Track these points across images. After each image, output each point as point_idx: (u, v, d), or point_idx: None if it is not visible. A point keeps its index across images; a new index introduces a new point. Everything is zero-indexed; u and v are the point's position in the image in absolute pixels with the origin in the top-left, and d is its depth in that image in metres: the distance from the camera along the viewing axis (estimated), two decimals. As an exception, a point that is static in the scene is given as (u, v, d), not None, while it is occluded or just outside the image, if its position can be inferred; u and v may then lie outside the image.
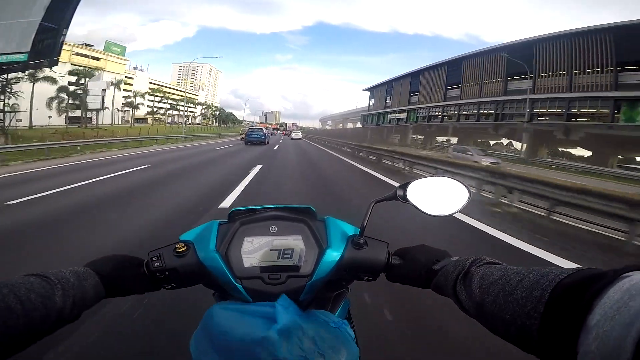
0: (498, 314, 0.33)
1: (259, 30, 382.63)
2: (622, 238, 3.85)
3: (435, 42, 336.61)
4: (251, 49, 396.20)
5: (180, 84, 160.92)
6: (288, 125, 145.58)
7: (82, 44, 53.12)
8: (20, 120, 34.77)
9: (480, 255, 0.44)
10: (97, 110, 45.63)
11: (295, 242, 0.56)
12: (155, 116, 71.21)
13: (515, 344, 0.31)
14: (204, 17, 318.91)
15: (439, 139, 38.94)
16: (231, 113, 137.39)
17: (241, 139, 27.67)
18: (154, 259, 0.52)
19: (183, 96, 56.40)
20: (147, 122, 63.52)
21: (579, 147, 28.80)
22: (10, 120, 26.90)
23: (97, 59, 54.57)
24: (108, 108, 48.85)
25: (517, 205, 5.35)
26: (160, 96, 71.36)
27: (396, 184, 0.61)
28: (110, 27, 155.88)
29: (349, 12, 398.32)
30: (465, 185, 0.60)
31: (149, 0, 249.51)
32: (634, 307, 0.21)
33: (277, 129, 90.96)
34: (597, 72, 24.83)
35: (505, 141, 36.56)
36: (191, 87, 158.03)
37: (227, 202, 5.01)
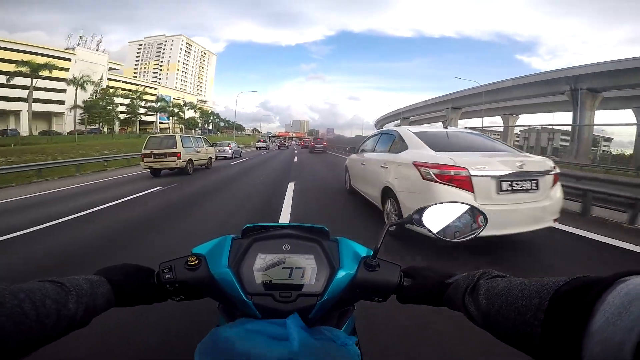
0: (503, 323, 0.35)
1: (284, 42, 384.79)
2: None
3: (463, 44, 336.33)
4: (278, 61, 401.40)
5: (139, 69, 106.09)
6: (321, 132, 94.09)
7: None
8: None
9: (488, 269, 0.45)
10: None
11: (307, 261, 0.55)
12: None
13: (521, 350, 0.32)
14: (231, 32, 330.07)
15: None
16: (219, 117, 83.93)
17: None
18: (165, 270, 0.52)
19: None
20: None
21: None
22: None
23: None
24: None
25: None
26: None
27: None
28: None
29: (370, 19, 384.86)
30: (481, 212, 0.59)
31: (179, 16, 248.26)
32: (634, 311, 0.21)
33: (302, 138, 58.22)
34: None
35: None
36: (155, 70, 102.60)
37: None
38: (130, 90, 55.75)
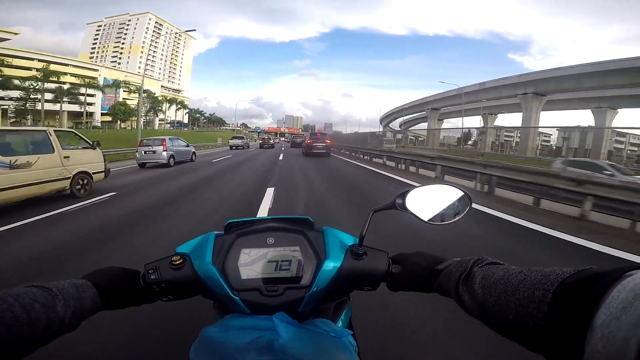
0: (501, 314, 0.33)
1: (277, 39, 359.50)
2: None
3: (456, 42, 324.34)
4: (271, 57, 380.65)
5: (96, 53, 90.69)
6: (317, 128, 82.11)
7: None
8: None
9: (482, 256, 0.44)
10: None
11: (292, 253, 0.55)
12: None
13: (520, 342, 0.32)
14: (224, 28, 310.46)
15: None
16: (184, 105, 68.33)
17: None
18: (149, 271, 0.52)
19: None
20: None
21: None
22: None
23: None
24: None
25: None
26: None
27: None
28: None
29: (364, 17, 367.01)
30: (465, 192, 0.59)
31: (170, 13, 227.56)
32: (639, 307, 0.21)
33: (295, 134, 45.65)
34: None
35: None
36: (115, 53, 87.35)
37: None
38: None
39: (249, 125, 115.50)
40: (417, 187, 0.58)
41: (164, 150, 11.50)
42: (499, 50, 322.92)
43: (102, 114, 55.28)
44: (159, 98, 61.86)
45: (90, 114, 52.26)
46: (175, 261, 0.52)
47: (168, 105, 63.46)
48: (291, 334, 0.44)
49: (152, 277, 0.51)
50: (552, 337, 0.27)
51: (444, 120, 47.72)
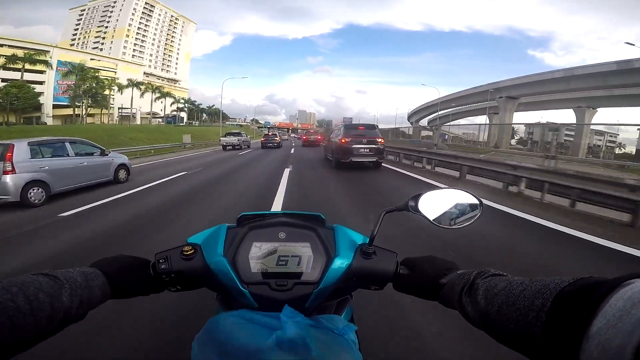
0: (502, 324, 0.34)
1: (291, 36, 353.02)
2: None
3: (474, 38, 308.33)
4: (284, 54, 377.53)
5: (77, 40, 79.81)
6: (335, 123, 73.32)
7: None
8: None
9: (485, 268, 0.44)
10: None
11: (303, 249, 0.55)
12: None
13: (521, 351, 0.32)
14: (239, 26, 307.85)
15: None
16: (161, 91, 54.42)
17: None
18: (160, 260, 0.52)
19: None
20: None
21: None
22: None
23: None
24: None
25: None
26: None
27: None
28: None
29: (378, 13, 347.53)
30: (476, 197, 0.60)
31: (186, 11, 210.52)
32: (636, 315, 0.20)
33: (308, 130, 43.56)
34: None
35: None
36: (97, 38, 76.20)
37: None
38: None
39: (260, 121, 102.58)
40: (431, 190, 0.60)
41: (5, 173, 4.93)
42: (519, 47, 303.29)
43: (55, 106, 44.01)
44: (103, 80, 46.76)
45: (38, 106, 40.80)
46: (187, 251, 0.52)
47: (140, 92, 50.32)
48: (297, 331, 0.44)
49: (162, 266, 0.51)
50: (550, 344, 0.27)
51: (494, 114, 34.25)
